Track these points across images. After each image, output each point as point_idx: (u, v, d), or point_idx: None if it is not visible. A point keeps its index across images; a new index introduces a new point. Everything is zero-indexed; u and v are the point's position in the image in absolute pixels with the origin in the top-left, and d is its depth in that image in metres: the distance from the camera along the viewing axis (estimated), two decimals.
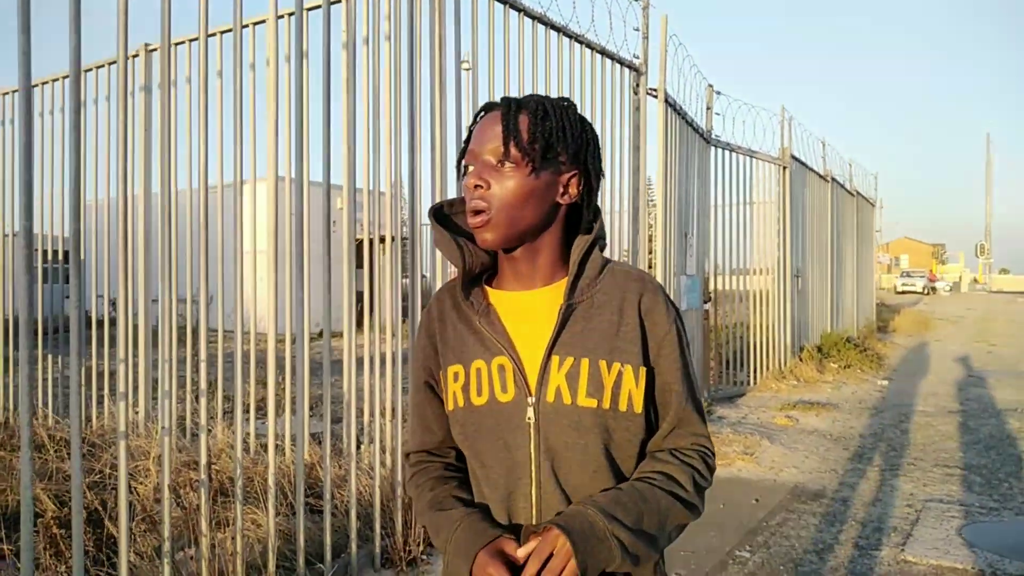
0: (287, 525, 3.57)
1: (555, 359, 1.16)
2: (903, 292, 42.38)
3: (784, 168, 9.82)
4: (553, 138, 1.17)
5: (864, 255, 16.07)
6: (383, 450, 4.00)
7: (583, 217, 1.24)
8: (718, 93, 8.16)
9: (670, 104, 6.53)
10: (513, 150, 1.15)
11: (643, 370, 1.18)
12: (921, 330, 17.80)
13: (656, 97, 6.35)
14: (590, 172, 1.23)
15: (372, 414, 4.03)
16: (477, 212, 1.16)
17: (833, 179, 12.49)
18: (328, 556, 3.37)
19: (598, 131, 5.29)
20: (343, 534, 3.57)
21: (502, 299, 1.24)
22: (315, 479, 4.11)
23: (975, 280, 56.95)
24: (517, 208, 1.16)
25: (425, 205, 3.77)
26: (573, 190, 1.21)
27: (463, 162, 1.21)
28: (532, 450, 1.16)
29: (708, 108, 8.10)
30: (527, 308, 1.22)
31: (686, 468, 1.19)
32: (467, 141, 1.21)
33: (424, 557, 3.75)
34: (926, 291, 43.08)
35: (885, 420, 7.49)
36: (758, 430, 6.81)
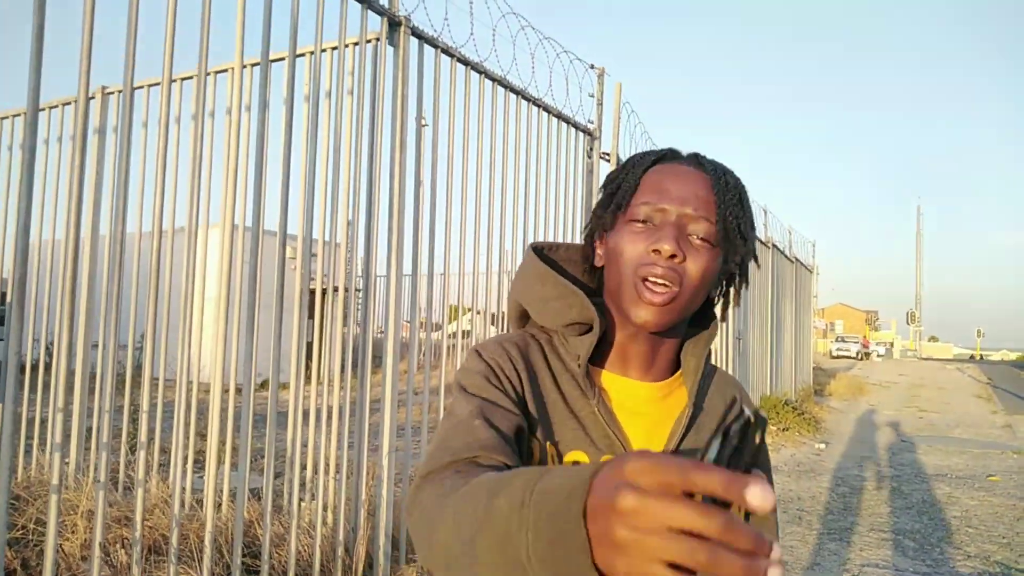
0: None
1: None
2: (838, 356, 43.51)
3: None
4: (746, 226, 0.97)
5: (802, 320, 16.53)
6: (325, 507, 3.90)
7: (704, 310, 1.06)
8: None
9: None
10: (715, 228, 0.95)
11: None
12: (856, 394, 18.28)
13: (608, 161, 6.51)
14: (742, 265, 1.04)
15: (316, 470, 3.93)
16: (664, 284, 0.92)
17: (774, 245, 12.90)
18: None
19: (553, 192, 5.42)
20: None
21: (613, 384, 1.01)
22: (253, 536, 3.97)
23: (906, 347, 58.97)
24: (701, 294, 0.97)
25: (381, 258, 3.77)
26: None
27: (638, 209, 0.96)
28: None
29: None
30: (640, 402, 1.01)
31: None
32: (635, 182, 0.97)
33: None
34: (860, 356, 44.34)
35: (823, 484, 7.62)
36: None
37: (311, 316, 4.28)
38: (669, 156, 1.00)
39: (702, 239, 0.94)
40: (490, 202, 4.51)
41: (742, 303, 10.24)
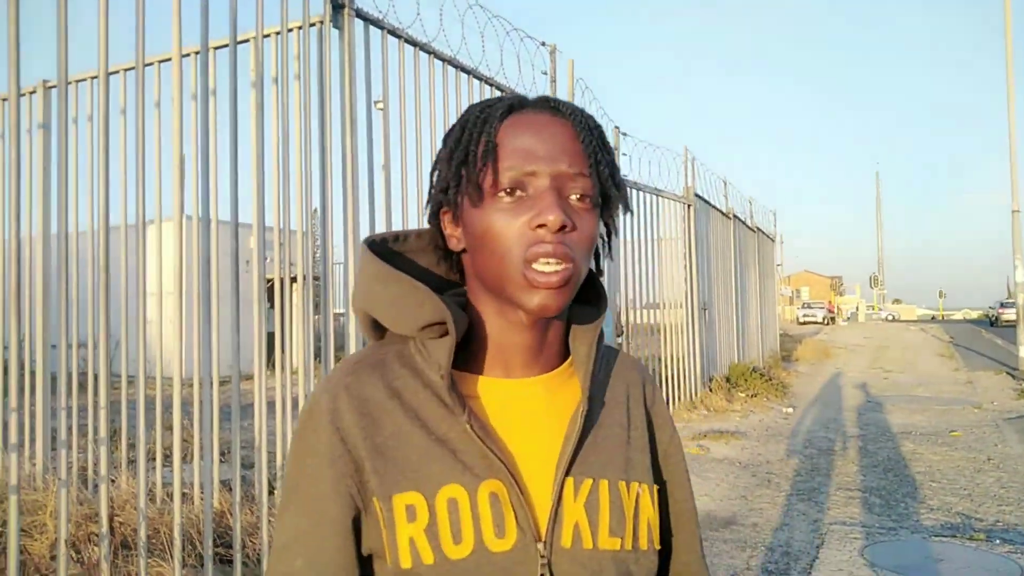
0: None
1: (570, 482, 0.80)
2: (804, 323, 44.18)
3: (689, 206, 10.19)
4: (617, 173, 0.83)
5: (767, 288, 16.76)
6: None
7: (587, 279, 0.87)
8: (624, 135, 8.43)
9: None
10: (591, 182, 0.79)
11: (655, 488, 0.88)
12: (822, 358, 18.61)
13: None
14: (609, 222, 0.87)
15: (284, 458, 3.92)
16: (557, 262, 0.76)
17: (735, 216, 13.03)
18: None
19: None
20: None
21: (491, 390, 0.83)
22: (225, 527, 3.96)
23: (872, 308, 60.05)
24: (588, 262, 0.82)
25: (337, 242, 3.76)
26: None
27: (502, 177, 0.77)
28: None
29: (615, 149, 8.36)
30: (527, 404, 0.83)
31: None
32: (491, 146, 0.78)
33: None
34: (826, 321, 45.07)
35: (791, 447, 7.77)
36: None
37: (271, 306, 4.24)
38: (517, 105, 0.81)
39: (580, 198, 0.78)
40: None
41: (707, 276, 10.30)
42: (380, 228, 3.95)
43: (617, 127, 8.29)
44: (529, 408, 0.82)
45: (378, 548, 0.77)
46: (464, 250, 0.83)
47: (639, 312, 9.23)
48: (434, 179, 0.84)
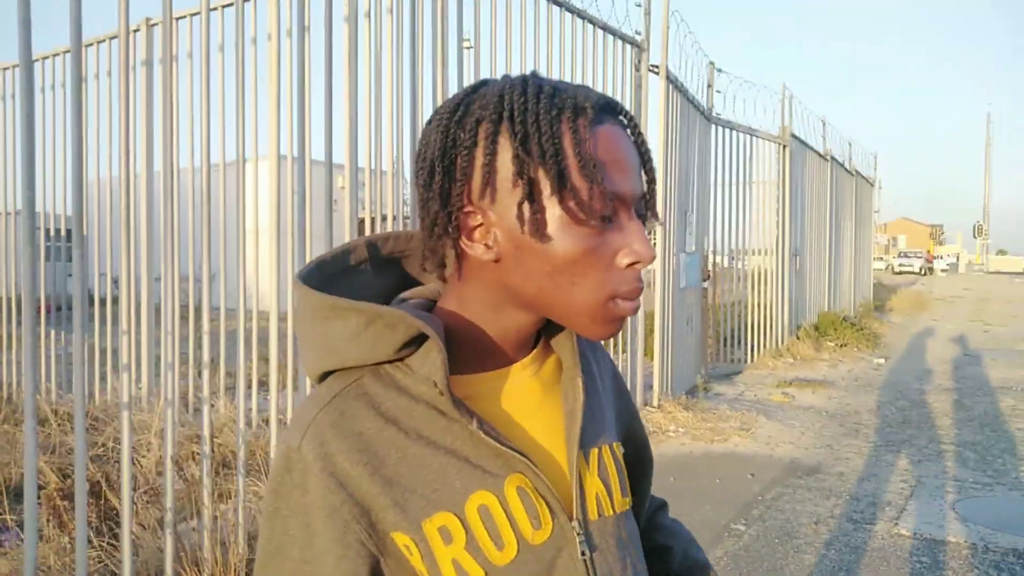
0: None
1: (582, 457, 0.80)
2: (900, 272, 42.43)
3: (784, 147, 9.81)
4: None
5: (862, 235, 16.08)
6: None
7: None
8: (719, 71, 8.12)
9: (671, 81, 6.50)
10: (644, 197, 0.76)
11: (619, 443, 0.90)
12: (918, 310, 17.86)
13: (657, 74, 6.32)
14: None
15: None
16: (637, 296, 0.75)
17: (833, 158, 12.47)
18: None
19: None
20: None
21: (481, 387, 0.79)
22: None
23: (972, 261, 57.06)
24: None
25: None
26: None
27: (596, 200, 0.70)
28: None
29: (709, 86, 8.07)
30: (519, 391, 0.81)
31: None
32: (595, 163, 0.70)
33: None
34: (923, 271, 43.16)
35: (881, 398, 7.54)
36: (755, 407, 6.86)
37: None
38: (603, 104, 0.73)
39: (639, 214, 0.75)
40: None
41: (800, 221, 9.96)
42: None
43: (712, 63, 7.99)
44: (522, 394, 0.80)
45: None
46: (496, 260, 0.73)
47: (726, 258, 9.03)
48: (478, 169, 0.71)
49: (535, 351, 0.82)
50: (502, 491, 0.74)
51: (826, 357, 9.94)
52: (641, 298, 0.75)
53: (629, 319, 6.45)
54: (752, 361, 9.27)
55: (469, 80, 3.89)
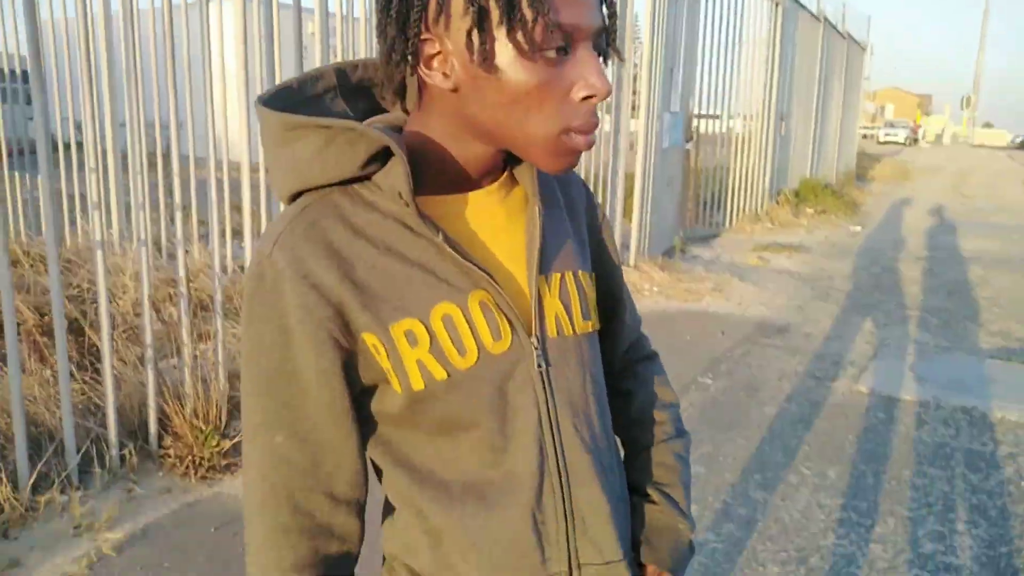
0: None
1: (543, 279, 0.83)
2: (885, 142, 42.20)
3: (777, 5, 9.42)
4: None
5: (850, 102, 15.83)
6: None
7: None
8: None
9: None
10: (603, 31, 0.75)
11: (593, 276, 0.92)
12: (900, 180, 17.90)
13: None
14: None
15: None
16: (591, 128, 0.75)
17: (826, 19, 12.04)
18: None
19: None
20: None
21: (446, 207, 0.80)
22: None
23: (956, 133, 56.75)
24: None
25: None
26: None
27: (549, 32, 0.69)
28: (547, 414, 0.81)
29: None
30: (476, 215, 0.82)
31: (680, 431, 1.03)
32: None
33: None
34: (907, 142, 42.96)
35: (854, 264, 7.67)
36: (730, 269, 6.96)
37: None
38: None
39: (604, 55, 0.75)
40: None
41: (788, 82, 9.68)
42: None
43: None
44: (486, 217, 0.82)
45: (379, 376, 0.77)
46: (453, 89, 0.73)
47: (710, 122, 8.87)
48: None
49: (502, 179, 0.83)
50: (465, 304, 0.77)
51: (804, 223, 10.01)
52: (592, 140, 0.74)
53: (608, 177, 6.37)
54: (731, 225, 9.32)
55: None
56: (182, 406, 2.95)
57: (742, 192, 9.54)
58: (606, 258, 0.97)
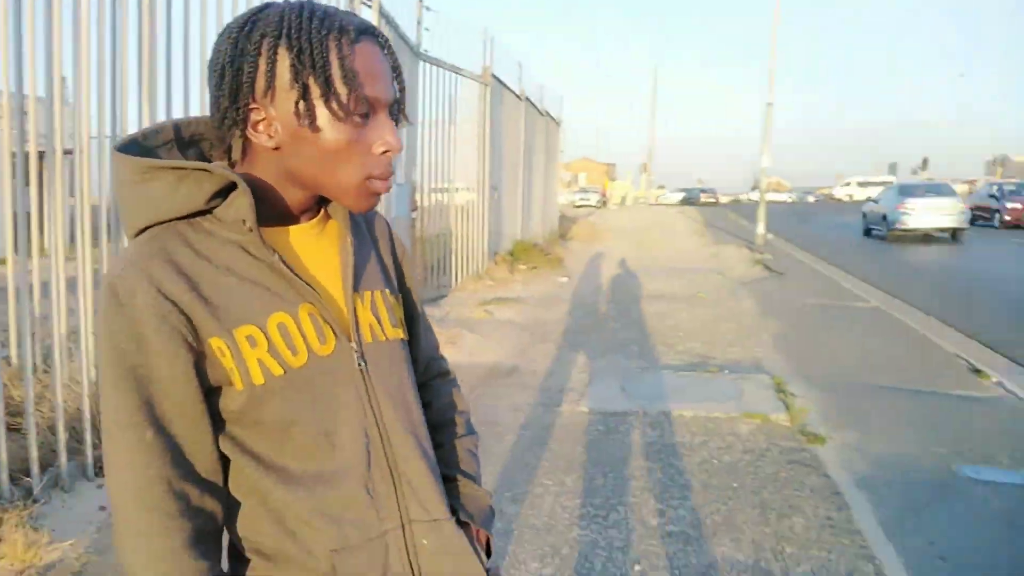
0: None
1: (356, 297, 1.01)
2: (580, 206, 46.82)
3: (486, 86, 10.40)
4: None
5: (551, 171, 17.61)
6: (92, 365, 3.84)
7: None
8: (427, 8, 8.34)
9: (384, 16, 6.64)
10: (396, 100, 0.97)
11: (400, 298, 1.13)
12: (595, 237, 20.11)
13: (371, 7, 6.42)
14: None
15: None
16: (388, 176, 0.96)
17: (527, 99, 13.44)
18: (36, 469, 3.25)
19: None
20: (48, 449, 3.43)
21: (276, 237, 0.98)
22: (8, 398, 3.82)
23: (637, 196, 64.73)
24: None
25: (92, 113, 3.53)
26: None
27: (356, 102, 0.90)
28: (369, 403, 0.99)
29: (418, 23, 8.27)
30: (305, 244, 1.00)
31: (471, 431, 1.26)
32: (351, 69, 0.89)
33: None
34: (599, 205, 48.09)
35: (565, 310, 8.60)
36: (460, 324, 7.46)
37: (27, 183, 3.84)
38: (363, 27, 0.92)
39: (393, 115, 0.96)
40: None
41: (499, 157, 10.55)
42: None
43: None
44: (307, 247, 1.00)
45: (223, 378, 0.91)
46: (276, 147, 0.92)
47: (431, 195, 9.45)
48: (263, 74, 0.88)
49: (319, 216, 1.02)
50: (296, 314, 0.94)
51: (519, 279, 10.97)
52: (389, 184, 0.96)
53: None
54: (456, 285, 9.94)
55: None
56: None
57: (464, 255, 10.24)
58: (404, 283, 1.17)
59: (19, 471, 3.26)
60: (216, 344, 0.90)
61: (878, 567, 2.85)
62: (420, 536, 1.00)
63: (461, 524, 1.08)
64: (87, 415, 3.53)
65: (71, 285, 3.66)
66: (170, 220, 0.92)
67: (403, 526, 0.99)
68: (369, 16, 6.38)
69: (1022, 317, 8.41)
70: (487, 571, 1.09)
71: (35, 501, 3.13)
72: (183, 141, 1.00)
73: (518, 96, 12.79)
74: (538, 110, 14.92)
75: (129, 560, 0.89)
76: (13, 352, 4.32)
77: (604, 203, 50.12)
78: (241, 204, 0.91)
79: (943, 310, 8.48)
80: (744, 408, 4.69)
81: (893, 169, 51.36)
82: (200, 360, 0.90)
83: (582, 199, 48.87)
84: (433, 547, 1.00)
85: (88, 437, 3.53)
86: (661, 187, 79.96)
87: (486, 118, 10.41)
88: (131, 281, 0.87)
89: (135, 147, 0.95)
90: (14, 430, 3.55)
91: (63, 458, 3.40)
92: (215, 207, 0.93)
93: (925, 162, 47.24)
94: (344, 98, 0.88)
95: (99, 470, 3.58)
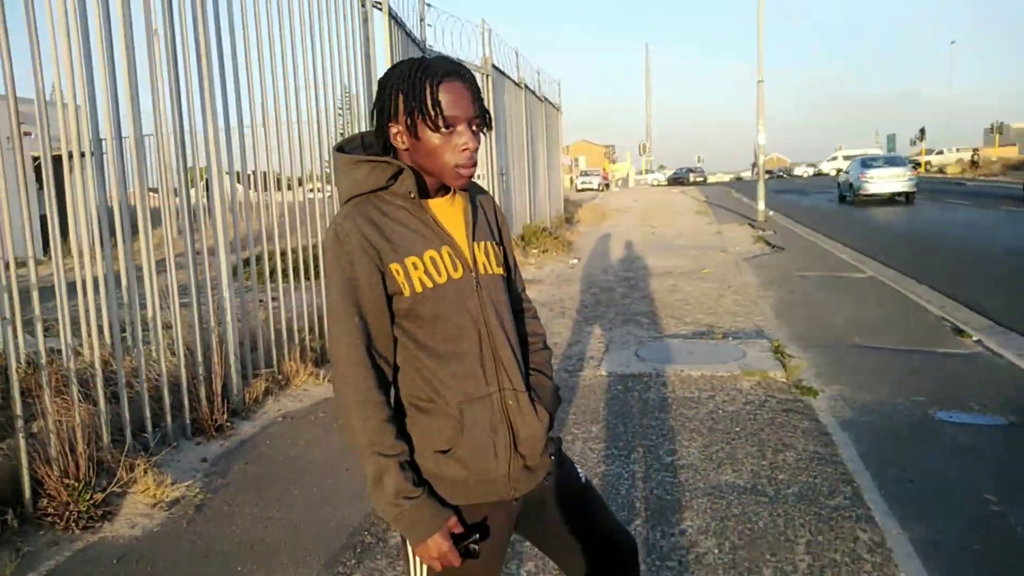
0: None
1: (475, 244, 1.54)
2: (582, 190, 47.08)
3: (487, 76, 10.92)
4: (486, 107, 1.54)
5: (553, 156, 18.08)
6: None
7: None
8: (428, 5, 8.87)
9: (393, 16, 7.18)
10: (482, 116, 1.48)
11: (501, 249, 1.65)
12: (600, 220, 20.63)
13: (380, 9, 6.96)
14: None
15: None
16: (470, 167, 1.47)
17: (526, 86, 13.94)
18: (149, 427, 3.87)
19: (329, 44, 5.81)
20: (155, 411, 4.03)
21: (427, 204, 1.53)
22: (111, 372, 4.42)
23: (640, 172, 65.02)
24: None
25: (123, 116, 3.86)
26: None
27: (445, 120, 1.42)
28: (483, 309, 1.52)
29: (421, 20, 8.81)
30: (445, 209, 1.54)
31: (545, 346, 1.76)
32: (436, 101, 1.41)
33: (229, 423, 4.35)
34: (600, 188, 48.34)
35: (578, 288, 9.18)
36: None
37: (40, 187, 3.98)
38: (446, 72, 1.43)
39: (478, 128, 1.48)
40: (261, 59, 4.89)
41: (505, 144, 11.14)
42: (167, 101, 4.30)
43: None
44: (446, 211, 1.54)
45: (396, 288, 1.47)
46: (406, 148, 1.49)
47: None
48: (393, 107, 1.46)
49: (450, 193, 1.57)
50: (440, 251, 1.51)
51: (532, 261, 11.55)
52: (473, 171, 1.49)
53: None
54: None
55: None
56: (52, 469, 3.22)
57: None
58: (502, 241, 1.69)
59: (135, 431, 3.87)
60: (394, 267, 1.46)
61: (856, 489, 3.44)
62: (508, 399, 1.54)
63: (532, 400, 1.59)
64: (184, 382, 4.13)
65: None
66: (365, 193, 1.50)
67: (500, 391, 1.53)
68: (379, 16, 6.92)
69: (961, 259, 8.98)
70: (547, 433, 1.61)
71: (152, 454, 3.74)
72: (367, 143, 1.58)
73: (517, 83, 13.25)
74: (536, 96, 15.34)
75: (340, 389, 1.45)
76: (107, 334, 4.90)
77: (606, 186, 50.24)
78: (408, 182, 1.49)
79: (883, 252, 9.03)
80: (746, 367, 5.28)
81: (892, 141, 51.53)
82: (384, 276, 1.47)
83: (584, 183, 48.85)
84: (515, 407, 1.54)
85: (186, 401, 4.14)
86: (662, 167, 79.99)
87: (490, 106, 10.90)
88: (346, 227, 1.46)
89: (340, 149, 1.56)
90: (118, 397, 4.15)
91: (168, 419, 4.02)
92: (390, 185, 1.50)
93: (923, 132, 47.43)
94: (432, 118, 1.42)
95: (196, 430, 4.19)
